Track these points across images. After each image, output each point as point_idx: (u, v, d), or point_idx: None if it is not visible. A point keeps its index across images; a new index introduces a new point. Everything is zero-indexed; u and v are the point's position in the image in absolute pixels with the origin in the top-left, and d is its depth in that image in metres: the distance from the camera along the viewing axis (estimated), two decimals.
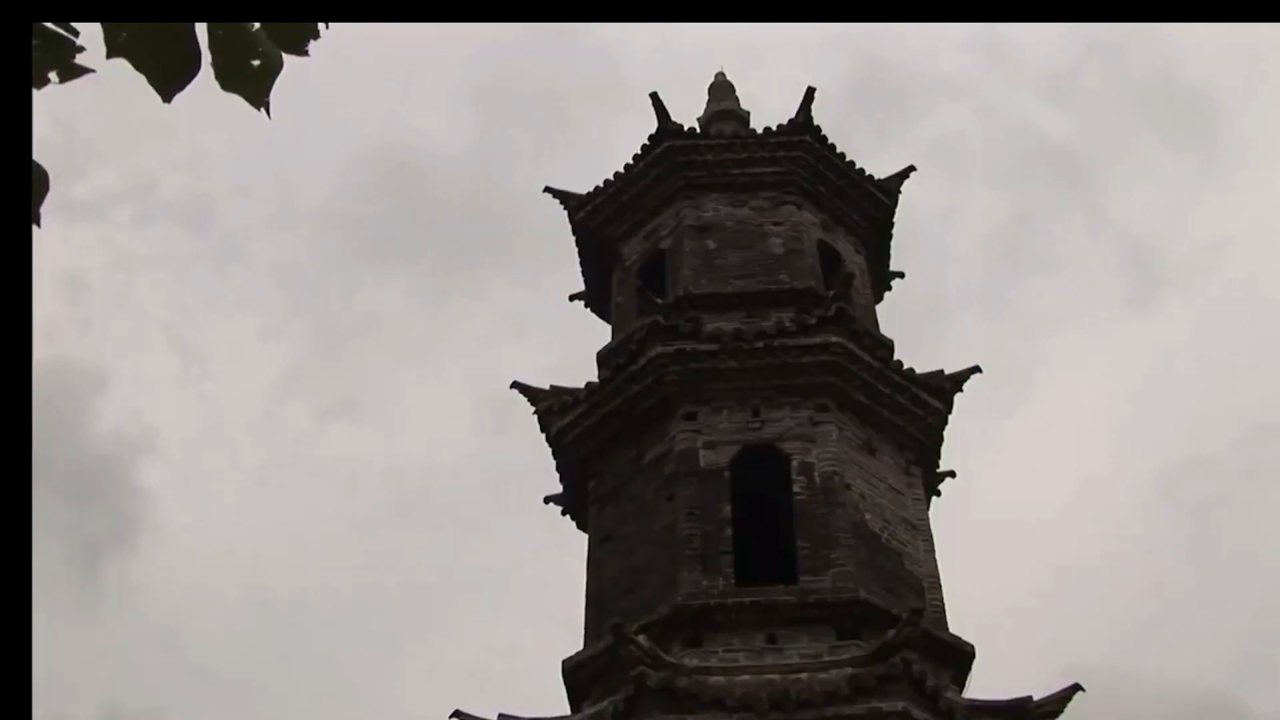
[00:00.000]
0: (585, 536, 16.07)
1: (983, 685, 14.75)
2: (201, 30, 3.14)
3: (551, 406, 16.31)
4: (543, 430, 16.42)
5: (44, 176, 3.27)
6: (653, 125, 18.36)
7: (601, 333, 18.44)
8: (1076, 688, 14.00)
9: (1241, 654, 42.18)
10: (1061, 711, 13.85)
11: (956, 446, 17.20)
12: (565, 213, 19.07)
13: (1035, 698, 13.87)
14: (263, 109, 3.18)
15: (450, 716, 13.97)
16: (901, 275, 19.66)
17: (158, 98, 3.19)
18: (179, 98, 3.21)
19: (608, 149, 38.74)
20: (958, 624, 15.08)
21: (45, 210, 3.30)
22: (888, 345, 16.45)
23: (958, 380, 16.51)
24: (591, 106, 55.24)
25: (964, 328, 46.90)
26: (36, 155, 3.21)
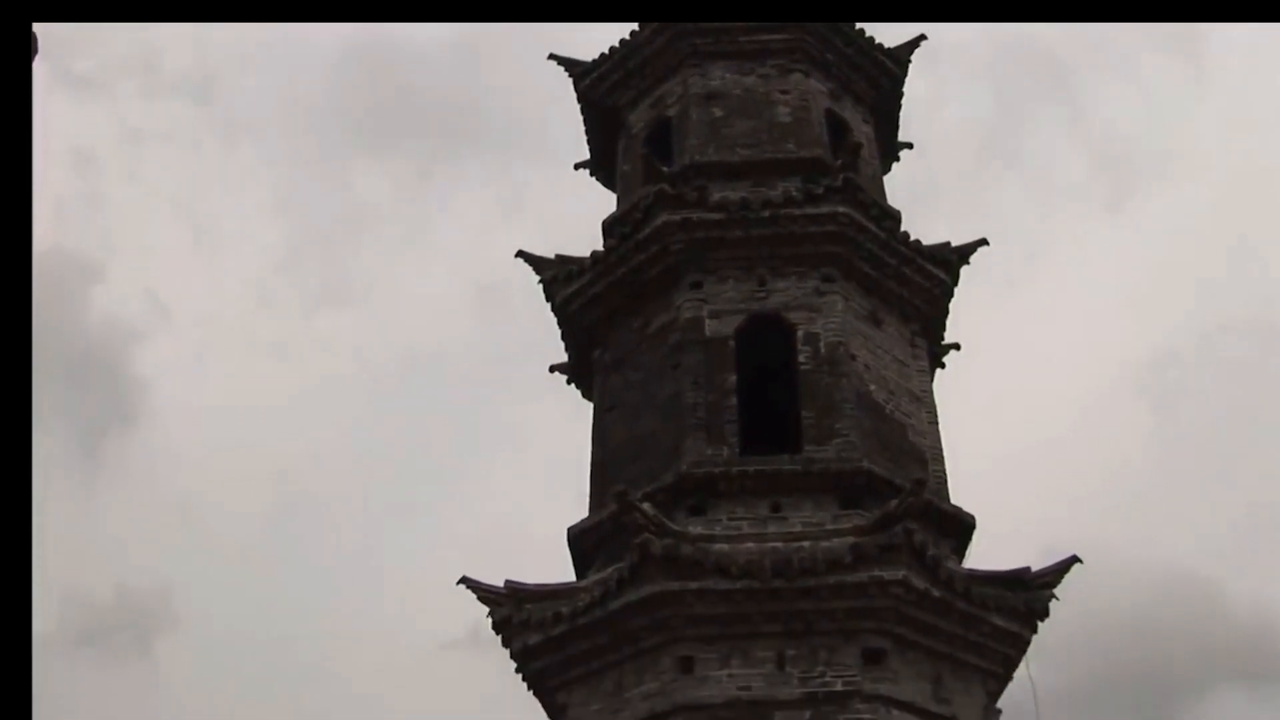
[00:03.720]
0: (591, 406, 16.13)
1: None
2: None
3: (557, 275, 16.23)
4: (548, 299, 16.36)
5: (34, 39, 3.20)
6: None
7: (606, 204, 18.28)
8: (1074, 559, 14.13)
9: (1217, 538, 42.77)
10: (1059, 583, 14.00)
11: (962, 320, 17.18)
12: (570, 81, 18.79)
13: (1033, 569, 14.04)
14: None
15: (458, 583, 14.10)
16: (910, 146, 19.41)
17: None
18: None
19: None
20: (958, 495, 15.21)
21: (48, 85, 3.21)
22: (894, 216, 16.31)
23: (964, 253, 16.41)
24: None
25: (947, 220, 46.79)
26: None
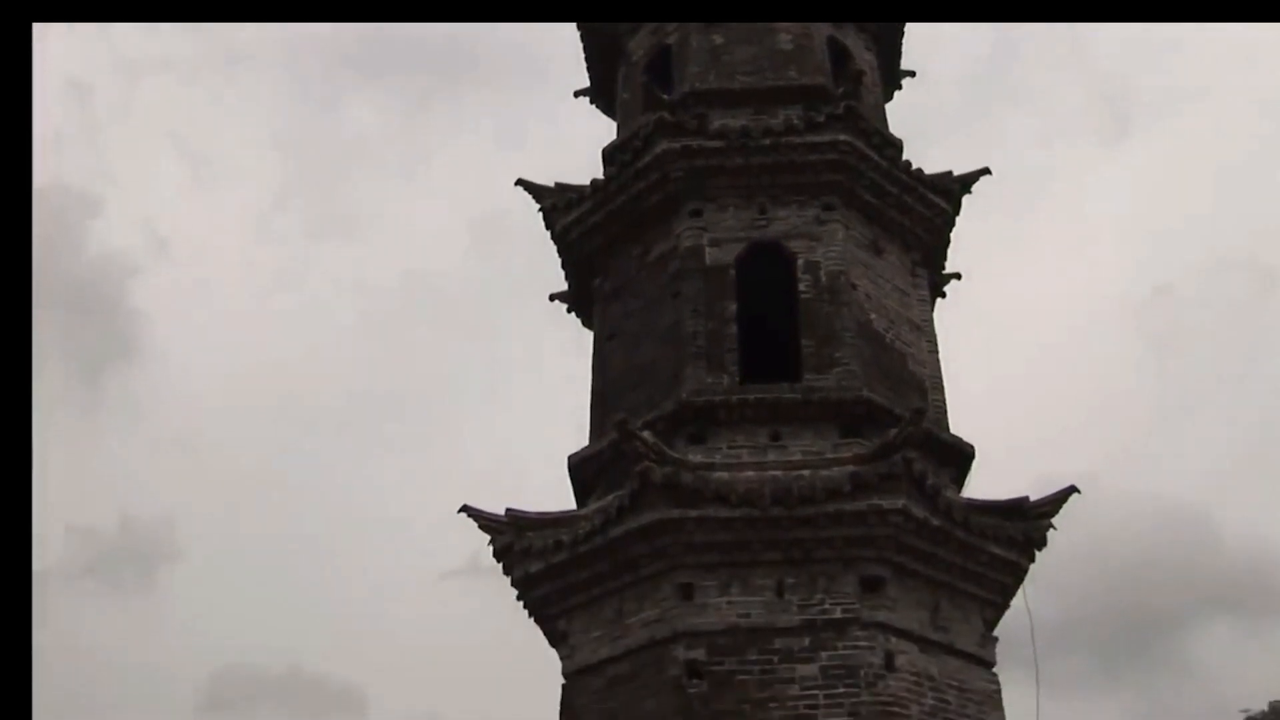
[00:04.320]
0: (591, 334, 16.10)
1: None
2: None
3: (556, 204, 16.13)
4: (548, 228, 16.27)
5: None
6: None
7: (606, 132, 18.13)
8: (1073, 490, 14.15)
9: (1211, 473, 42.99)
10: (1057, 513, 14.04)
11: (963, 250, 17.11)
12: None
13: (1032, 498, 14.08)
14: None
15: (458, 511, 14.13)
16: (912, 74, 19.19)
17: None
18: None
19: None
20: (958, 426, 15.22)
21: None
22: (896, 145, 16.15)
23: (966, 181, 16.32)
24: None
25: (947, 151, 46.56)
26: None
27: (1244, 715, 64.99)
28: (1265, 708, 63.47)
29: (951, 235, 16.48)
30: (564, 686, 13.72)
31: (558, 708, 13.70)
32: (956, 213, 16.23)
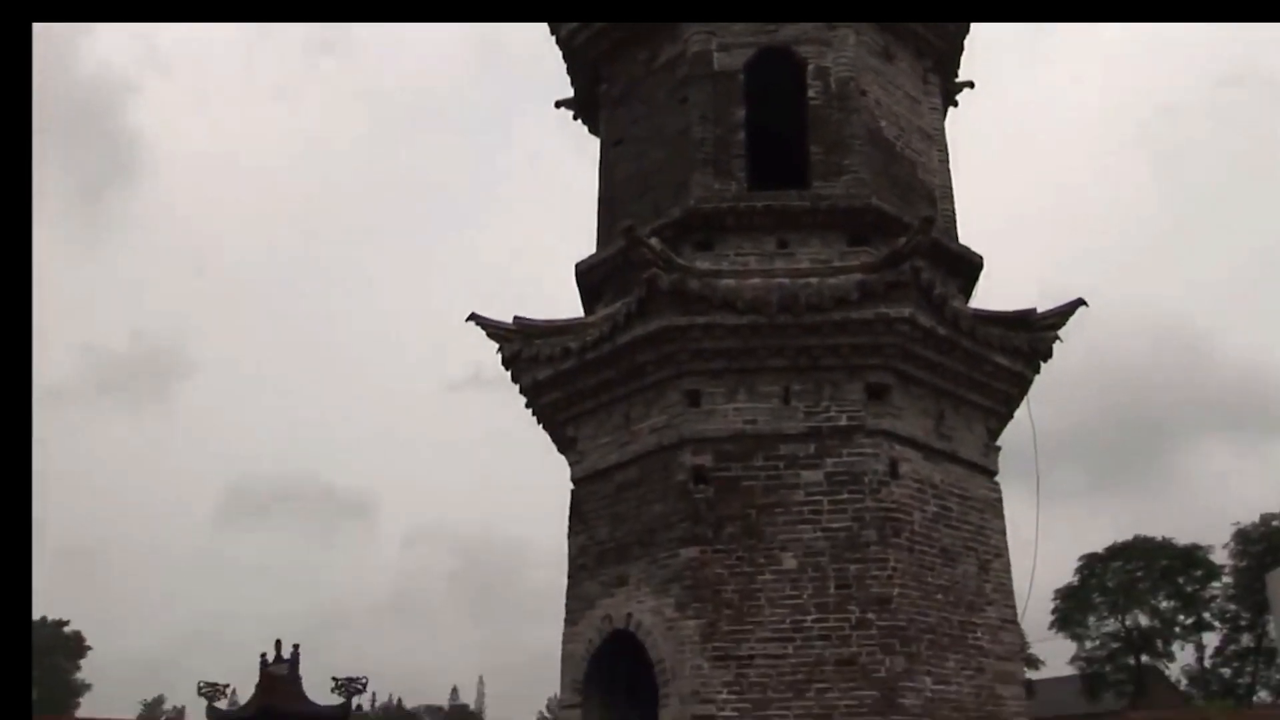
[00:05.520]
0: (598, 142, 15.87)
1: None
2: None
3: None
4: (553, 33, 15.96)
5: None
6: None
7: None
8: (1080, 302, 14.14)
9: (1212, 291, 42.95)
10: (1064, 324, 14.05)
11: (978, 57, 16.78)
12: None
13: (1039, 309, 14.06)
14: None
15: (467, 319, 14.14)
16: None
17: None
18: None
19: None
20: (967, 237, 15.12)
21: None
22: None
23: None
24: None
25: None
26: None
27: (1235, 527, 66.30)
28: (1257, 520, 64.58)
29: (965, 43, 16.15)
30: (573, 492, 13.89)
31: (566, 514, 13.89)
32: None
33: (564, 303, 14.73)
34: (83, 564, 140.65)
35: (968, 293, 14.75)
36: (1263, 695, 63.02)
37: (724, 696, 11.70)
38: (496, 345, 14.13)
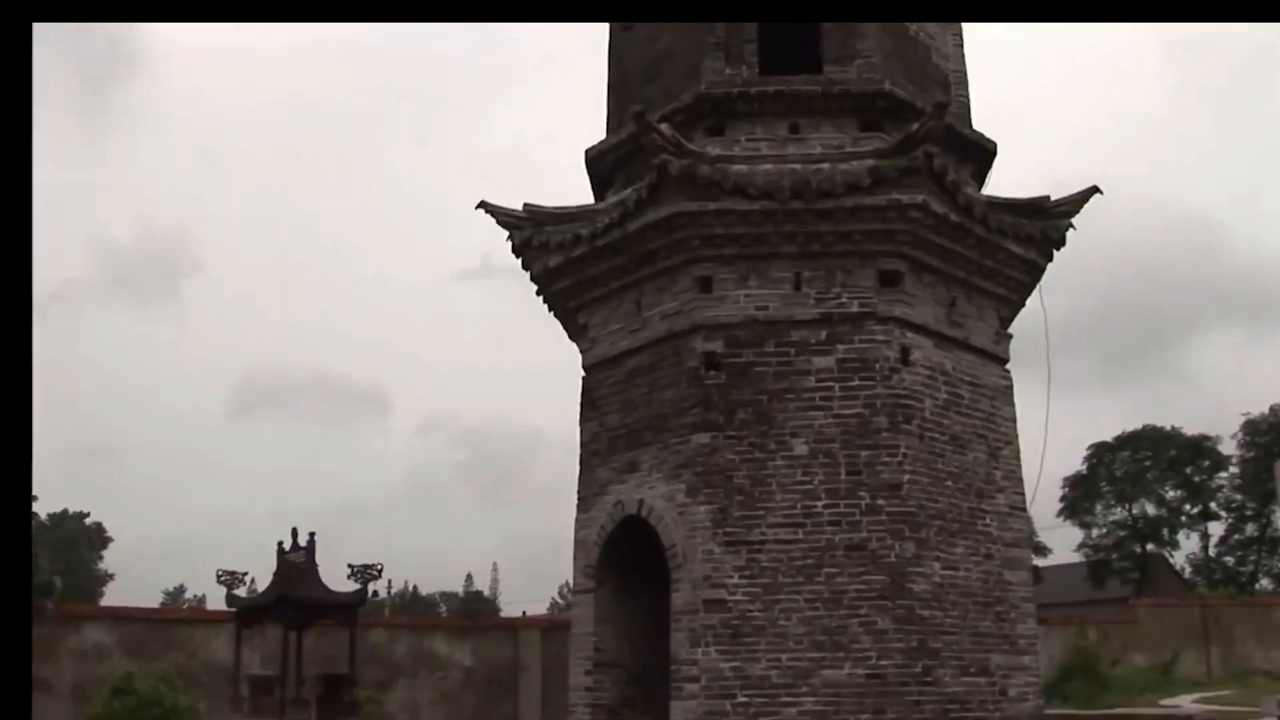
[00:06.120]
0: (607, 26, 15.65)
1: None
2: None
3: None
4: None
5: None
6: None
7: None
8: (1095, 190, 14.03)
9: (1222, 180, 42.55)
10: (1078, 212, 13.94)
11: None
12: None
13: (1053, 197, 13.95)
14: None
15: (476, 207, 14.04)
16: None
17: None
18: None
19: None
20: (981, 122, 14.96)
21: None
22: None
23: None
24: None
25: None
26: None
27: (1244, 418, 66.44)
28: (1266, 410, 64.71)
29: None
30: (584, 379, 13.92)
31: (578, 401, 13.94)
32: None
33: (576, 192, 14.67)
34: (101, 461, 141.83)
35: (981, 179, 14.63)
36: (1265, 583, 63.63)
37: (735, 581, 11.81)
38: (506, 233, 14.07)
